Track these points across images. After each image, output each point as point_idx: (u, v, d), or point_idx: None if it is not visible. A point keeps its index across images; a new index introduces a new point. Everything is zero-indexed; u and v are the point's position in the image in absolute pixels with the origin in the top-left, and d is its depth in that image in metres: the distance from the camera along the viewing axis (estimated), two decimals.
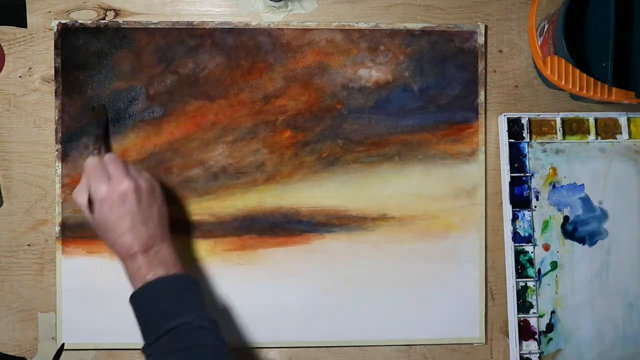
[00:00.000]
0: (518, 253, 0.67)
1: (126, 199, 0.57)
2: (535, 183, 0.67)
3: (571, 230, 0.67)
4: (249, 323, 0.67)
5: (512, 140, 0.67)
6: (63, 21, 0.66)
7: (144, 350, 0.55)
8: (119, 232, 0.56)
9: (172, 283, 0.57)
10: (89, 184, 0.58)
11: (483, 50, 0.68)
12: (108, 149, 0.66)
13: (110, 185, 0.57)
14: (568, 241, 0.67)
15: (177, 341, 0.53)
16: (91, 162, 0.58)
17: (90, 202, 0.57)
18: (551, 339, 0.66)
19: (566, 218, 0.67)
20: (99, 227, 0.58)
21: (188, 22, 0.67)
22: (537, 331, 0.66)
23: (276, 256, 0.67)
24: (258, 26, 0.67)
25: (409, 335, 0.68)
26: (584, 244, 0.67)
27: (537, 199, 0.67)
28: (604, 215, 0.67)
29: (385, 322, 0.68)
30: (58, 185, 0.66)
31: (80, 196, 0.58)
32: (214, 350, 0.54)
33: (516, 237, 0.67)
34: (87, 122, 0.66)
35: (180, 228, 0.67)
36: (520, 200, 0.67)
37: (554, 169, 0.68)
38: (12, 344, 0.67)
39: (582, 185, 0.68)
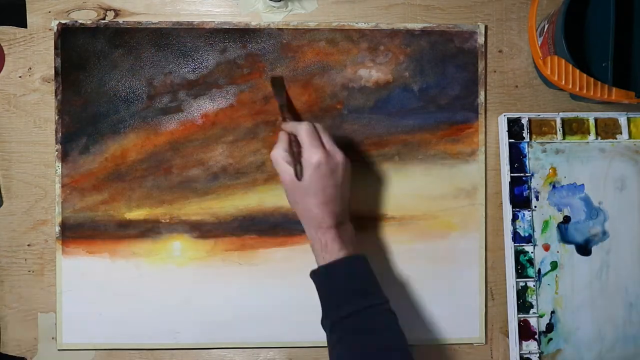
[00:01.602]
0: (518, 253, 0.67)
1: (336, 171, 0.57)
2: (535, 183, 0.67)
3: (570, 233, 0.67)
4: (249, 323, 0.67)
5: (512, 140, 0.67)
6: (63, 21, 0.66)
7: (332, 323, 0.55)
8: (320, 200, 0.57)
9: (361, 262, 0.58)
10: (294, 149, 0.58)
11: (483, 50, 0.68)
12: (295, 116, 0.66)
13: (326, 153, 0.57)
14: (567, 242, 0.67)
15: (370, 321, 0.55)
16: (307, 127, 0.58)
17: (299, 162, 0.57)
18: (551, 339, 0.66)
19: (566, 218, 0.67)
20: (299, 190, 0.57)
21: (188, 22, 0.67)
22: (537, 331, 0.66)
23: (276, 256, 0.67)
24: (258, 26, 0.67)
25: (408, 335, 0.67)
26: (583, 247, 0.67)
27: (537, 199, 0.67)
28: (604, 216, 0.67)
29: None
30: (58, 185, 0.66)
31: (282, 157, 0.58)
32: (402, 339, 0.56)
33: (516, 237, 0.67)
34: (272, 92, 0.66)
35: (180, 228, 0.67)
36: (520, 200, 0.67)
37: (554, 169, 0.68)
38: (12, 344, 0.67)
39: (582, 185, 0.68)
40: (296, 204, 0.59)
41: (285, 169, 0.58)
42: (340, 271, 0.57)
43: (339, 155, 0.58)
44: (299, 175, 0.57)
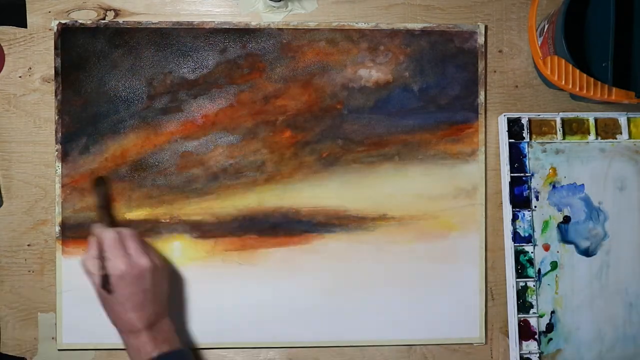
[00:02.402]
0: (518, 253, 0.67)
1: (142, 277, 0.58)
2: (535, 183, 0.67)
3: (570, 233, 0.67)
4: (249, 323, 0.67)
5: (512, 140, 0.67)
6: (63, 21, 0.66)
7: None
8: (127, 307, 0.57)
9: (177, 358, 0.58)
10: (102, 255, 0.58)
11: (483, 50, 0.68)
12: (112, 220, 0.65)
13: (129, 263, 0.58)
14: (567, 242, 0.67)
15: None
16: (109, 235, 0.59)
17: (104, 273, 0.57)
18: (551, 339, 0.66)
19: (566, 218, 0.67)
20: (107, 298, 0.58)
21: (188, 22, 0.67)
22: (537, 331, 0.66)
23: (276, 256, 0.67)
24: (258, 26, 0.67)
25: (409, 335, 0.68)
26: (583, 247, 0.67)
27: (537, 199, 0.67)
28: (604, 216, 0.67)
29: (385, 322, 0.67)
30: (58, 185, 0.66)
31: (92, 266, 0.58)
32: None
33: (516, 237, 0.67)
34: (91, 193, 0.66)
35: (180, 228, 0.67)
36: (520, 200, 0.67)
37: (554, 169, 0.68)
38: (12, 344, 0.67)
39: (582, 185, 0.68)
40: (108, 312, 0.59)
41: (93, 278, 0.58)
42: None
43: (143, 260, 0.58)
44: (105, 285, 0.57)
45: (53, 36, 0.67)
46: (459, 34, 0.68)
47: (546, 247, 0.67)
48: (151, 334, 0.58)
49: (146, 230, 0.67)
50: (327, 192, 0.67)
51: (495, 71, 0.69)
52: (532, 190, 0.67)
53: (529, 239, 0.67)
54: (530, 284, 0.66)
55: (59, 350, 0.67)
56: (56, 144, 0.66)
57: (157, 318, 0.59)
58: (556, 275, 0.67)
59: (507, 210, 0.67)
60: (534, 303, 0.66)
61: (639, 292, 0.67)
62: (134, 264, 0.58)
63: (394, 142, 0.68)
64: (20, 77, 0.67)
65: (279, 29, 0.67)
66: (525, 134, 0.67)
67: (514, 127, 0.68)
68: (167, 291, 0.62)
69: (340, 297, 0.67)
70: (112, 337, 0.66)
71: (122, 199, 0.67)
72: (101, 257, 0.58)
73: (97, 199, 0.65)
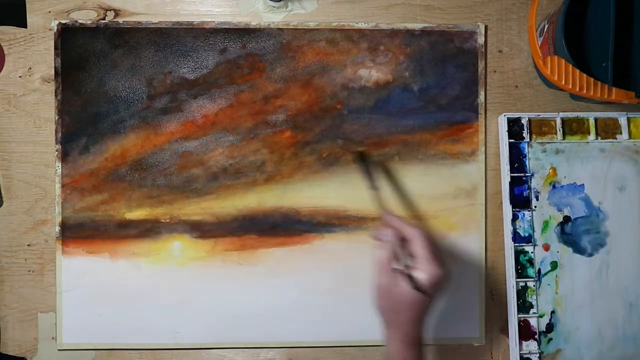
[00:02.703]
0: (518, 253, 0.67)
1: (442, 287, 0.55)
2: (535, 183, 0.67)
3: (570, 234, 0.67)
4: (249, 323, 0.67)
5: (512, 140, 0.67)
6: (63, 21, 0.66)
7: None
8: (421, 316, 0.54)
9: None
10: (431, 254, 0.54)
11: (483, 50, 0.68)
12: (384, 202, 0.62)
13: (444, 271, 0.54)
14: (567, 242, 0.67)
15: None
16: (424, 237, 0.55)
17: (407, 274, 0.54)
18: (551, 339, 0.66)
19: (566, 218, 0.67)
20: (401, 301, 0.54)
21: (188, 22, 0.67)
22: (537, 331, 0.66)
23: (276, 256, 0.67)
24: (258, 26, 0.67)
25: None
26: (583, 247, 0.67)
27: (537, 199, 0.67)
28: (604, 216, 0.67)
29: None
30: (58, 185, 0.66)
31: (391, 264, 0.55)
32: None
33: (516, 237, 0.67)
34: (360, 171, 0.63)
35: (180, 228, 0.67)
36: (520, 200, 0.67)
37: (554, 169, 0.68)
38: (12, 344, 0.67)
39: (582, 185, 0.68)
40: (390, 314, 0.55)
41: (391, 275, 0.54)
42: None
43: (447, 271, 0.55)
44: (420, 288, 0.53)
45: (53, 36, 0.67)
46: (459, 34, 0.68)
47: (546, 247, 0.67)
48: (416, 354, 0.55)
49: (146, 230, 0.67)
50: (327, 192, 0.67)
51: (495, 71, 0.69)
52: (532, 190, 0.67)
53: (529, 239, 0.67)
54: (530, 284, 0.66)
55: (59, 350, 0.67)
56: (56, 144, 0.66)
57: (422, 338, 0.56)
58: (556, 275, 0.67)
59: (507, 210, 0.67)
60: (534, 303, 0.66)
61: (639, 292, 0.67)
62: (447, 274, 0.54)
63: (394, 142, 0.68)
64: (20, 77, 0.67)
65: (279, 29, 0.67)
66: (525, 134, 0.67)
67: (514, 127, 0.68)
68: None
69: (340, 297, 0.67)
70: (112, 337, 0.67)
71: (122, 199, 0.67)
72: (399, 256, 0.54)
73: (366, 177, 0.60)
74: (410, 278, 0.53)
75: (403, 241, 0.56)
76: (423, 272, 0.53)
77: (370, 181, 0.61)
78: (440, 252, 0.55)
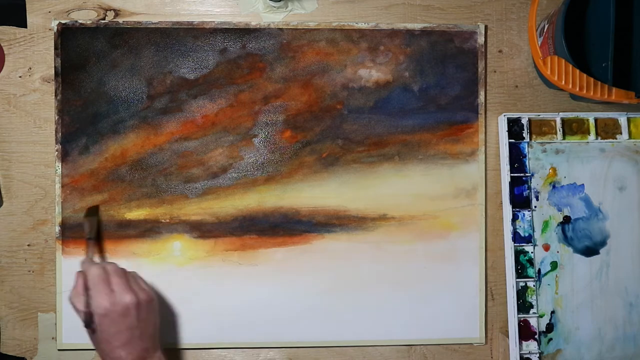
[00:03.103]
0: (518, 253, 0.67)
1: (127, 314, 0.57)
2: (535, 183, 0.67)
3: (570, 234, 0.67)
4: (249, 323, 0.67)
5: (512, 140, 0.67)
6: (63, 21, 0.66)
7: None
8: (115, 344, 0.56)
9: None
10: (88, 292, 0.57)
11: (483, 50, 0.68)
12: (101, 252, 0.66)
13: (113, 300, 0.56)
14: (567, 242, 0.67)
15: None
16: (95, 271, 0.58)
17: (88, 311, 0.56)
18: (551, 339, 0.66)
19: (566, 218, 0.67)
20: (93, 337, 0.57)
21: (188, 22, 0.67)
22: (537, 331, 0.66)
23: (276, 256, 0.67)
24: (258, 26, 0.67)
25: (409, 335, 0.68)
26: (582, 248, 0.67)
27: (537, 199, 0.67)
28: (604, 216, 0.67)
29: (385, 322, 0.68)
30: (58, 185, 0.66)
31: (78, 302, 0.57)
32: None
33: (516, 237, 0.67)
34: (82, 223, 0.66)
35: (180, 228, 0.67)
36: (520, 201, 0.67)
37: (554, 169, 0.68)
38: (12, 344, 0.67)
39: (582, 185, 0.68)
40: (97, 347, 0.58)
41: (79, 314, 0.57)
42: None
43: (127, 297, 0.57)
44: (89, 324, 0.56)
45: (53, 36, 0.67)
46: (459, 34, 0.68)
47: (546, 247, 0.67)
48: None
49: (146, 230, 0.67)
50: (327, 192, 0.67)
51: (495, 71, 0.69)
52: (532, 190, 0.67)
53: (529, 239, 0.67)
54: (530, 284, 0.66)
55: (59, 350, 0.67)
56: (56, 144, 0.66)
57: (148, 353, 0.58)
58: (556, 275, 0.67)
59: (507, 210, 0.67)
60: (534, 303, 0.66)
61: (639, 292, 0.67)
62: (118, 301, 0.56)
63: (394, 142, 0.68)
64: (20, 77, 0.67)
65: (279, 29, 0.67)
66: (525, 134, 0.67)
67: (514, 127, 0.68)
68: (157, 324, 0.60)
69: (340, 297, 0.67)
70: None
71: (122, 199, 0.67)
72: (86, 294, 0.57)
73: (87, 229, 0.64)
74: (85, 315, 0.56)
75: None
76: (93, 305, 0.56)
77: (90, 233, 0.64)
78: (123, 281, 0.58)
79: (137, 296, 0.58)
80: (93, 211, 0.66)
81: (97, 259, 0.62)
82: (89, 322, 0.56)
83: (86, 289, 0.57)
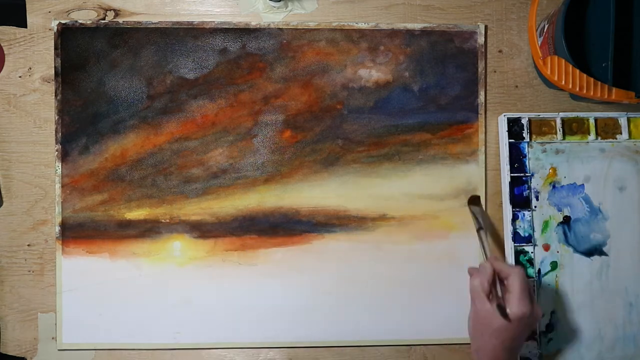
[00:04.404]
0: (518, 253, 0.67)
1: (532, 325, 0.58)
2: (535, 183, 0.67)
3: (570, 234, 0.67)
4: (249, 323, 0.67)
5: (512, 141, 0.67)
6: (63, 21, 0.66)
7: None
8: (507, 347, 0.57)
9: None
10: (499, 286, 0.58)
11: (483, 50, 0.68)
12: (493, 244, 0.67)
13: (531, 311, 0.56)
14: (567, 242, 0.67)
15: None
16: (521, 274, 0.57)
17: (502, 304, 0.56)
18: (551, 339, 0.66)
19: (566, 218, 0.67)
20: (490, 327, 0.56)
21: (188, 22, 0.67)
22: (537, 331, 0.66)
23: (276, 256, 0.67)
24: (258, 26, 0.67)
25: (409, 335, 0.68)
26: (582, 248, 0.67)
27: (537, 199, 0.67)
28: (604, 216, 0.67)
29: (386, 322, 0.68)
30: (58, 185, 0.66)
31: (483, 289, 0.57)
32: None
33: (516, 237, 0.67)
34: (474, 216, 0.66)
35: (180, 228, 0.67)
36: (520, 201, 0.67)
37: (554, 169, 0.68)
38: (12, 344, 0.67)
39: (582, 185, 0.68)
40: (478, 338, 0.58)
41: (483, 302, 0.57)
42: None
43: (540, 312, 0.58)
44: (505, 314, 0.56)
45: (53, 36, 0.67)
46: (459, 34, 0.68)
47: (546, 247, 0.67)
48: None
49: (146, 230, 0.67)
50: (327, 192, 0.67)
51: (495, 71, 0.69)
52: (532, 191, 0.67)
53: (529, 239, 0.67)
54: (530, 284, 0.66)
55: (59, 350, 0.67)
56: (56, 144, 0.66)
57: None
58: (556, 275, 0.67)
59: (507, 210, 0.67)
60: None
61: (639, 292, 0.67)
62: (534, 314, 0.57)
63: (394, 142, 0.68)
64: (20, 77, 0.67)
65: (279, 29, 0.67)
66: (525, 134, 0.67)
67: (514, 127, 0.68)
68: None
69: (340, 297, 0.67)
70: (112, 337, 0.67)
71: (122, 199, 0.67)
72: (495, 288, 0.57)
73: (477, 220, 0.64)
74: (501, 308, 0.56)
75: (499, 277, 0.58)
76: (514, 305, 0.56)
77: (478, 223, 0.64)
78: (532, 294, 0.59)
79: (541, 312, 0.59)
80: (477, 200, 0.66)
81: (488, 251, 0.61)
82: (505, 313, 0.56)
83: (495, 282, 0.58)
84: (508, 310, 0.56)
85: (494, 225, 0.69)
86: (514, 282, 0.57)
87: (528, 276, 0.66)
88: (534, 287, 0.65)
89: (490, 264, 0.58)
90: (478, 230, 0.63)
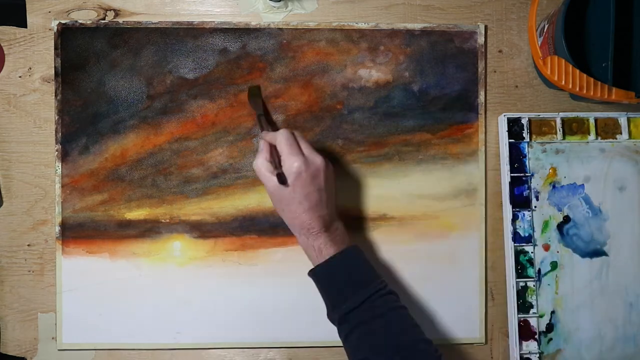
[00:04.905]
0: (518, 253, 0.67)
1: (317, 176, 0.58)
2: (535, 183, 0.67)
3: (570, 234, 0.67)
4: (249, 323, 0.67)
5: (512, 141, 0.67)
6: (63, 21, 0.66)
7: (339, 316, 0.56)
8: (305, 206, 0.57)
9: (356, 253, 0.59)
10: (276, 157, 0.58)
11: (483, 50, 0.68)
12: (272, 125, 0.66)
13: (305, 160, 0.57)
14: (567, 242, 0.67)
15: (378, 306, 0.56)
16: (285, 134, 0.58)
17: (281, 172, 0.57)
18: (551, 339, 0.66)
19: (566, 218, 0.67)
20: (284, 198, 0.58)
21: (188, 22, 0.67)
22: (537, 331, 0.66)
23: (276, 256, 0.67)
24: (258, 26, 0.67)
25: None
26: (582, 248, 0.67)
27: (537, 199, 0.67)
28: (604, 216, 0.67)
29: None
30: (58, 185, 0.66)
31: (266, 167, 0.58)
32: (407, 311, 0.58)
33: (516, 237, 0.67)
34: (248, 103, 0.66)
35: (180, 228, 0.67)
36: (520, 201, 0.67)
37: (554, 169, 0.68)
38: (12, 344, 0.67)
39: (582, 185, 0.68)
40: (283, 211, 0.59)
41: (268, 178, 0.58)
42: (339, 267, 0.58)
43: (318, 160, 0.58)
44: (284, 182, 0.57)
45: (53, 36, 0.67)
46: (459, 34, 0.68)
47: (546, 247, 0.67)
48: (330, 236, 0.58)
49: (146, 230, 0.67)
50: None
51: (495, 71, 0.69)
52: (532, 190, 0.67)
53: (529, 239, 0.67)
54: (530, 284, 0.66)
55: (59, 350, 0.67)
56: (56, 144, 0.66)
57: (332, 218, 0.59)
58: (556, 275, 0.67)
59: (507, 210, 0.67)
60: (534, 303, 0.66)
61: (639, 292, 0.67)
62: (310, 162, 0.57)
63: (394, 142, 0.68)
64: (20, 77, 0.67)
65: (279, 29, 0.67)
66: (525, 134, 0.67)
67: (514, 127, 0.68)
68: (335, 192, 0.61)
69: None
70: (112, 337, 0.67)
71: (122, 199, 0.67)
72: (274, 159, 0.58)
73: (255, 107, 0.65)
74: (280, 176, 0.57)
75: (276, 150, 0.59)
76: (285, 164, 0.57)
77: (258, 110, 0.65)
78: (307, 146, 0.59)
79: (324, 159, 0.58)
80: (255, 91, 0.66)
81: (270, 131, 0.61)
82: (284, 180, 0.57)
83: (273, 154, 0.58)
84: (283, 172, 0.57)
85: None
86: (280, 144, 0.58)
87: (527, 276, 0.66)
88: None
89: (264, 141, 0.60)
90: (258, 117, 0.63)
